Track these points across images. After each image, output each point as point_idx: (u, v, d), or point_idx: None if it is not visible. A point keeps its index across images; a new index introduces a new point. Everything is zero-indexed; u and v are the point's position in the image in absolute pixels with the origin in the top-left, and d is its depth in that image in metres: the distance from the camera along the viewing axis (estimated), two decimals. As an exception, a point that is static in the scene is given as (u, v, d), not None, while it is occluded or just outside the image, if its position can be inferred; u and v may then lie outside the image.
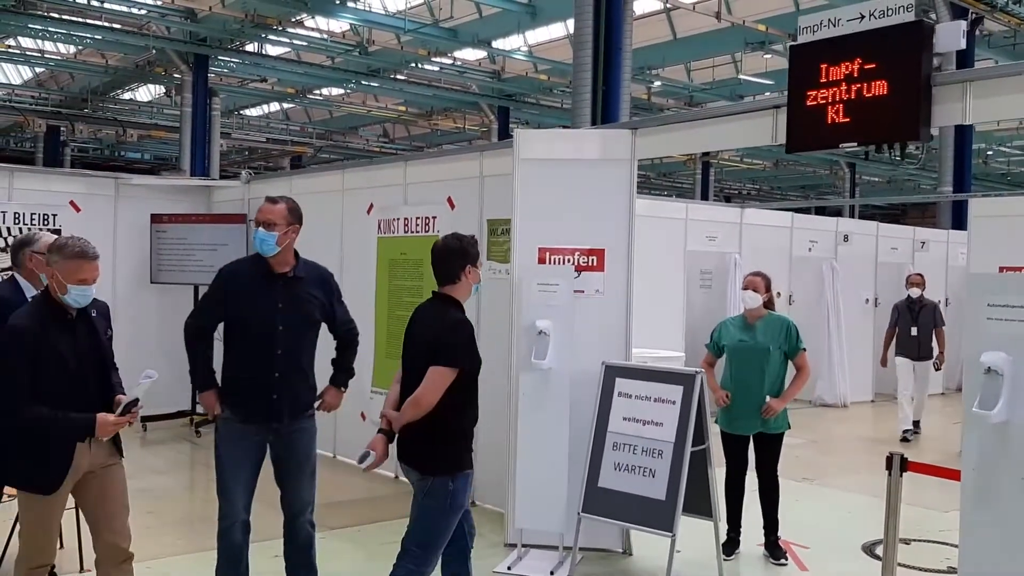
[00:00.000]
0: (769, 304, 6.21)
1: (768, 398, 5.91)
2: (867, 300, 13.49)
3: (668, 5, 18.34)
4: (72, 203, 9.45)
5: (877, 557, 6.11)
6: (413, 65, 22.21)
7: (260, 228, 4.37)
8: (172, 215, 10.02)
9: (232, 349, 4.33)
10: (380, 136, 31.26)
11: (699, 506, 5.74)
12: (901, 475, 4.68)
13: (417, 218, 7.67)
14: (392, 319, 7.91)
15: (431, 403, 3.91)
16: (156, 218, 9.95)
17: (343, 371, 4.74)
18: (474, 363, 4.09)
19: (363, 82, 23.44)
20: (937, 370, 11.19)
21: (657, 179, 33.76)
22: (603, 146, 6.17)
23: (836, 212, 28.59)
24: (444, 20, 19.92)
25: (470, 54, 22.47)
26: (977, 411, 4.03)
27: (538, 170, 6.13)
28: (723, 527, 6.02)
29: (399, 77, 23.02)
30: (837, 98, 4.85)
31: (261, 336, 4.24)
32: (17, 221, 9.28)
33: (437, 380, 3.91)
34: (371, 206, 8.13)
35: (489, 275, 6.99)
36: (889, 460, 4.70)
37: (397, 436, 4.06)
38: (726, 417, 6.10)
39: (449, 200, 7.38)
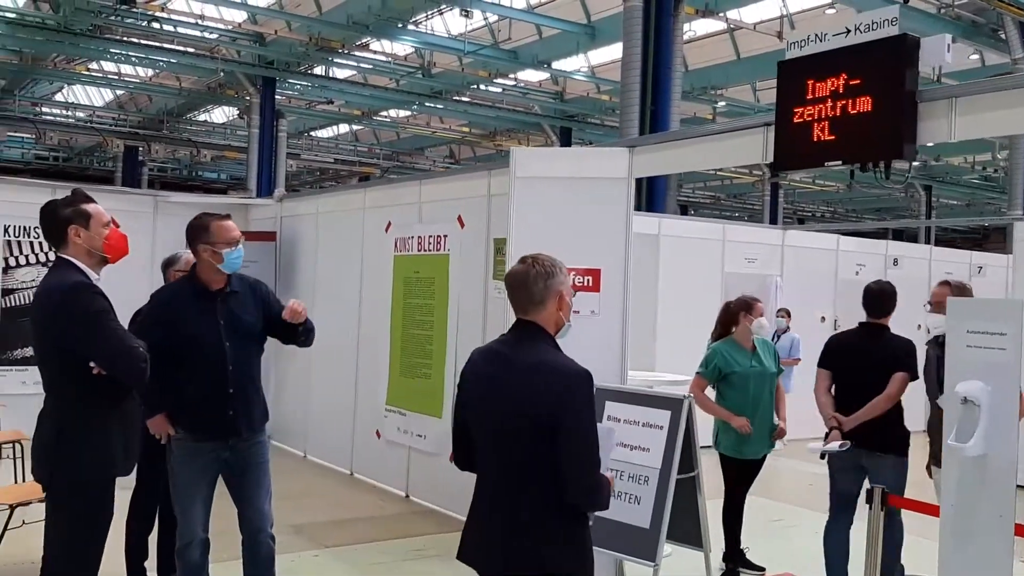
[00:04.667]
0: None
1: (776, 419, 6.13)
2: (919, 327, 12.96)
3: (730, 26, 18.12)
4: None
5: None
6: (475, 87, 22.35)
7: (239, 246, 4.38)
8: (207, 232, 10.18)
9: (181, 371, 4.20)
10: (446, 157, 31.51)
11: (690, 536, 5.57)
12: (883, 509, 4.48)
13: (430, 236, 7.65)
14: (407, 338, 7.87)
15: (897, 399, 5.32)
16: (193, 235, 10.13)
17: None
18: None
19: (427, 103, 23.66)
20: None
21: (727, 200, 33.26)
22: (600, 164, 6.04)
23: (912, 236, 27.73)
24: (504, 42, 20.02)
25: (532, 75, 22.50)
26: (952, 444, 3.84)
27: (535, 188, 6.02)
28: (716, 557, 5.83)
29: (462, 99, 23.19)
30: (823, 115, 4.67)
31: (210, 354, 4.19)
32: (60, 236, 9.56)
33: (905, 383, 5.33)
34: (389, 224, 8.14)
35: (493, 295, 6.93)
36: (870, 494, 4.51)
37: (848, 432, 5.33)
38: (735, 442, 5.98)
39: (459, 219, 7.34)
